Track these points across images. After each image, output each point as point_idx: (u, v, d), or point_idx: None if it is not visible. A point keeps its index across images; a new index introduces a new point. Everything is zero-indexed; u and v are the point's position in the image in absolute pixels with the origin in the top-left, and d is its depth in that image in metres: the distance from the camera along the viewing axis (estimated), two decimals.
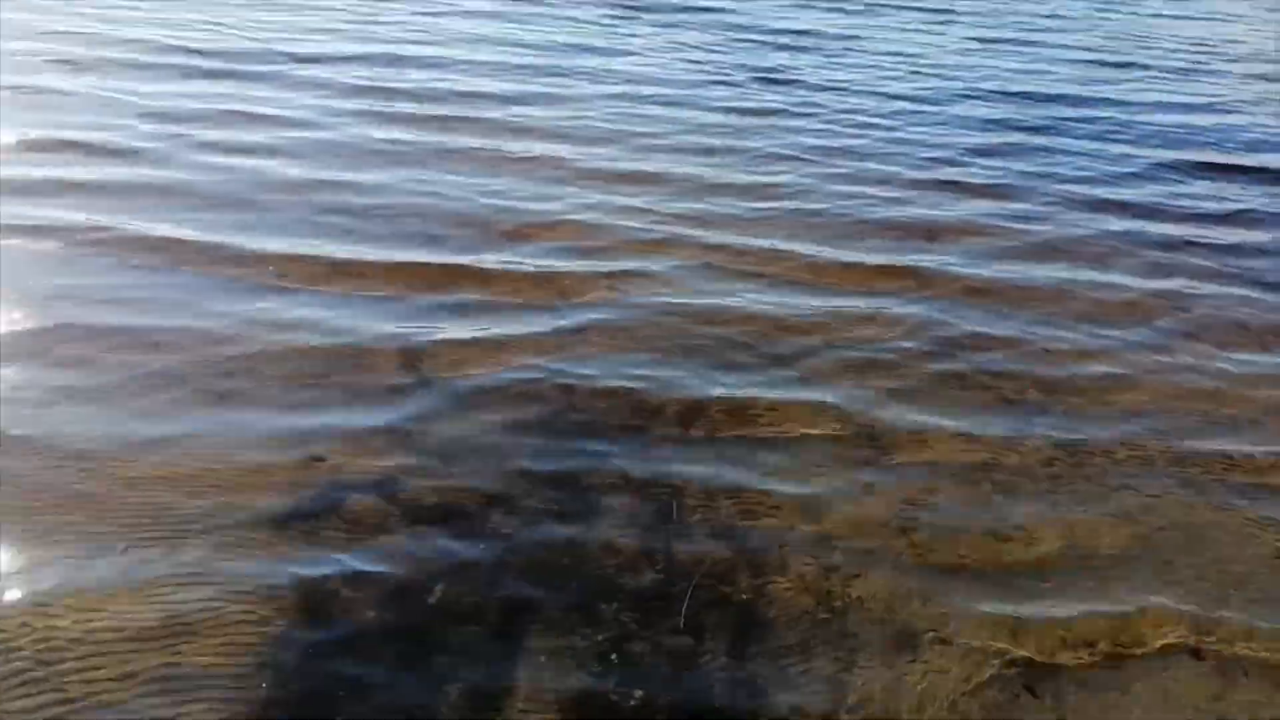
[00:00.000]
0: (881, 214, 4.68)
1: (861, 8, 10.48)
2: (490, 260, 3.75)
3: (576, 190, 4.53)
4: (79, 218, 3.70)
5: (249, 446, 2.64)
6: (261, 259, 3.54)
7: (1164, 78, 8.59)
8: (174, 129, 4.64)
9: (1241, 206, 5.29)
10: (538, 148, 4.96)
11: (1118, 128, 6.65)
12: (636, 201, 4.50)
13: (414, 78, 5.81)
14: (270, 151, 4.51)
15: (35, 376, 2.83)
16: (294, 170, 4.34)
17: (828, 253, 4.18)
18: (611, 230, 4.16)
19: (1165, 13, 12.99)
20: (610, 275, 3.78)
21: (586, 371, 3.17)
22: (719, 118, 5.87)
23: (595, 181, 4.65)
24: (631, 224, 4.25)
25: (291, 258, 3.57)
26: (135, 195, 3.92)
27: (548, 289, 3.62)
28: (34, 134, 4.40)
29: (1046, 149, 5.95)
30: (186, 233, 3.67)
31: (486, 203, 4.28)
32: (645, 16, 8.44)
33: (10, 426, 2.61)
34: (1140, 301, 4.09)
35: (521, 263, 3.77)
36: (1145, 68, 8.96)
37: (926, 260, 4.22)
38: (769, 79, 7.15)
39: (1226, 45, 10.75)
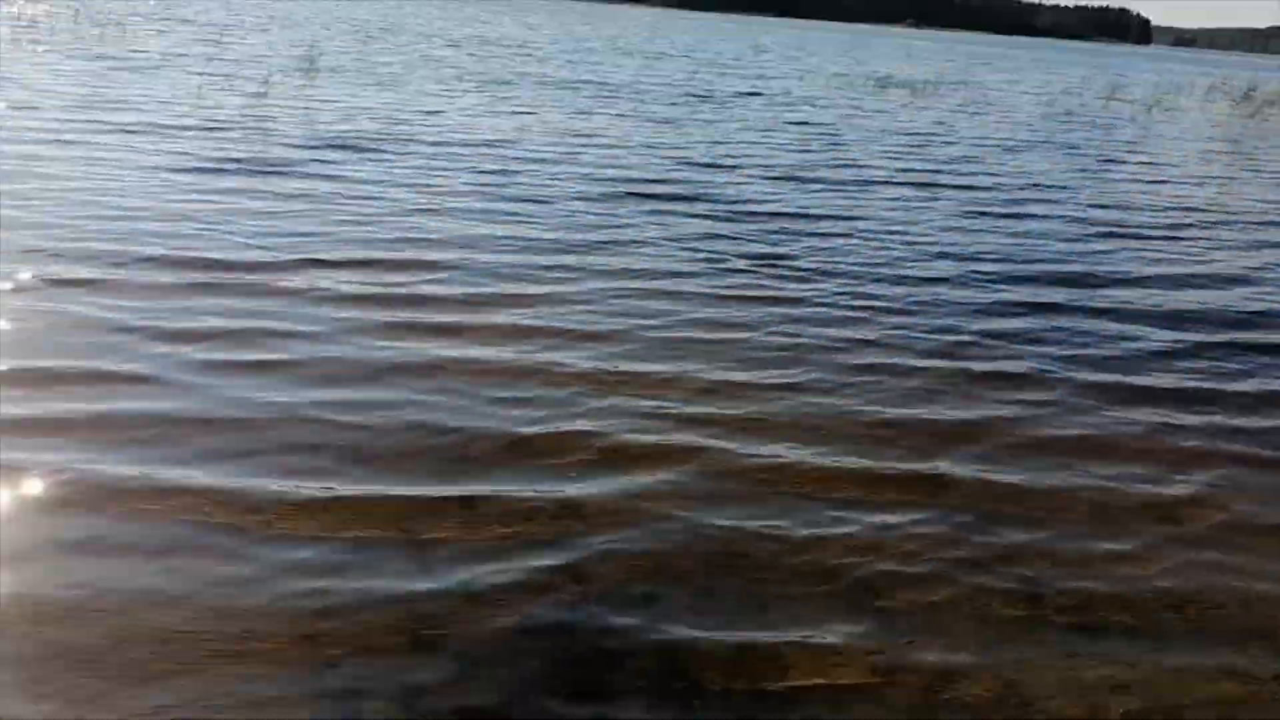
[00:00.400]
0: (894, 411, 4.55)
1: (850, 184, 10.72)
2: (499, 487, 3.57)
3: (583, 396, 4.41)
4: (70, 458, 3.52)
5: (253, 713, 2.41)
6: (264, 500, 3.35)
7: (1153, 245, 8.70)
8: (171, 349, 4.53)
9: (1265, 387, 5.19)
10: (541, 353, 4.87)
11: (1118, 303, 6.64)
12: (645, 405, 4.38)
13: (413, 282, 5.79)
14: (271, 370, 4.39)
15: (15, 639, 2.60)
16: (297, 391, 4.21)
17: (845, 460, 4.02)
18: (623, 441, 4.01)
19: (1142, 177, 13.36)
20: (624, 494, 3.60)
21: (602, 610, 2.96)
22: (721, 310, 5.83)
23: (602, 387, 4.53)
24: (643, 432, 4.10)
25: (295, 498, 3.38)
26: (129, 429, 3.75)
27: (560, 515, 3.43)
28: (25, 363, 4.26)
29: (1053, 330, 5.90)
30: (182, 472, 3.48)
31: (492, 415, 4.14)
32: (638, 205, 8.57)
33: None
34: (1179, 499, 3.91)
35: (532, 488, 3.59)
36: (1133, 236, 9.10)
37: (945, 465, 4.05)
38: (766, 263, 7.17)
39: (1206, 208, 10.97)
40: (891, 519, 3.62)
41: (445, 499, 3.45)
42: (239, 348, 4.60)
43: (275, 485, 3.44)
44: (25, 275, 5.28)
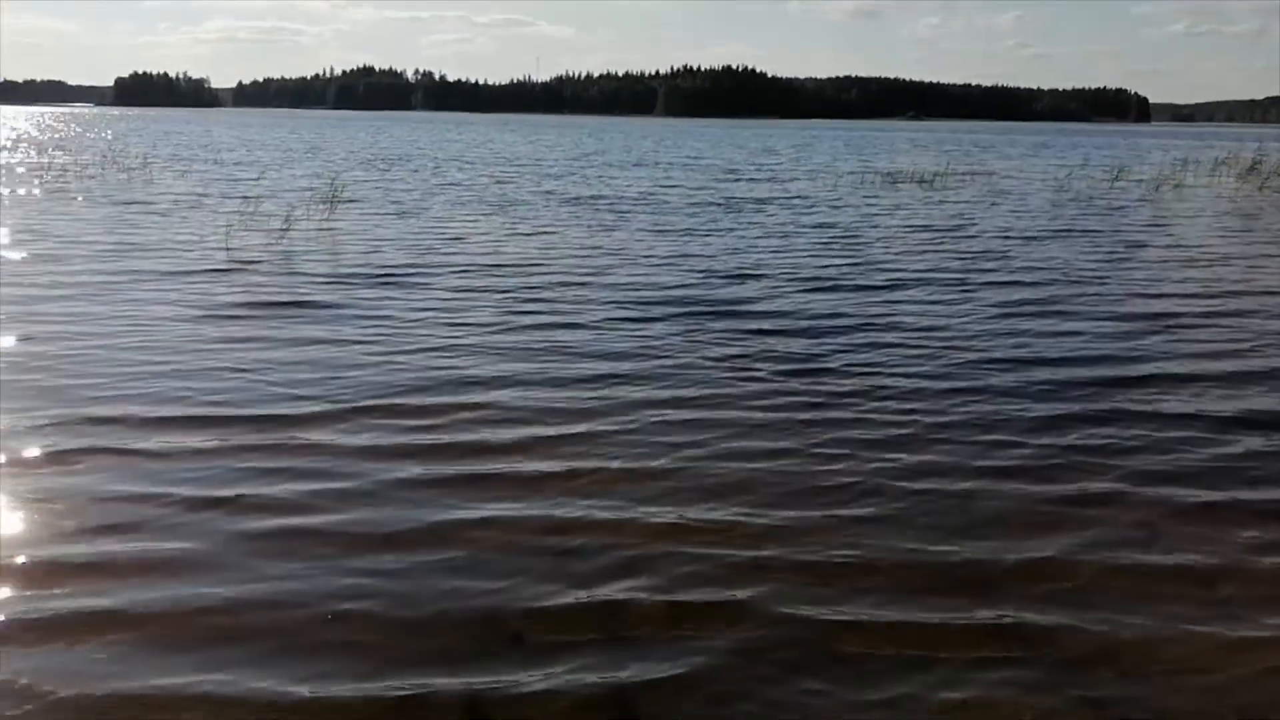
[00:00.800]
0: (961, 547, 4.24)
1: (878, 287, 10.62)
2: (555, 668, 3.33)
3: (633, 549, 4.18)
4: (99, 663, 3.29)
5: None
6: (308, 704, 3.12)
7: (1198, 335, 8.52)
8: (207, 518, 4.36)
9: None
10: (584, 501, 4.66)
11: (1180, 404, 6.43)
12: (699, 554, 4.14)
13: (447, 427, 5.62)
14: (310, 540, 4.17)
15: None
16: (337, 562, 4.00)
17: (918, 612, 3.72)
18: (680, 601, 3.76)
19: (1170, 260, 13.23)
20: (691, 663, 3.36)
21: None
22: (765, 436, 5.61)
23: (650, 537, 4.28)
24: (700, 588, 3.86)
25: (342, 697, 3.14)
26: (164, 623, 3.51)
27: (627, 697, 3.18)
28: (55, 550, 4.04)
29: (1116, 440, 5.63)
30: (221, 674, 3.24)
31: (542, 578, 3.92)
32: (669, 324, 8.46)
33: None
34: None
35: (596, 667, 3.33)
36: (1175, 326, 8.93)
37: (1027, 609, 3.75)
38: (805, 379, 6.99)
39: (1241, 290, 10.75)
40: (977, 675, 3.35)
41: (500, 687, 3.20)
42: (276, 514, 4.42)
43: (324, 684, 3.20)
44: (54, 446, 5.15)
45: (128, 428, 5.46)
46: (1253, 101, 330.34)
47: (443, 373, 6.71)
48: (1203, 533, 4.48)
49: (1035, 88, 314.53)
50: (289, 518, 4.39)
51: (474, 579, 3.90)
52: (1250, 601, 3.89)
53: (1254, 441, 5.62)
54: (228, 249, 12.33)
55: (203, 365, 6.76)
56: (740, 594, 3.83)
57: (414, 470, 4.94)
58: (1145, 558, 4.22)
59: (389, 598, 3.74)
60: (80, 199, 18.49)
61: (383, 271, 10.88)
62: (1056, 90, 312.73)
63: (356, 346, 7.38)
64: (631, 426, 5.70)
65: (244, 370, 6.64)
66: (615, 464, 5.11)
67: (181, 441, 5.26)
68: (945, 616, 3.71)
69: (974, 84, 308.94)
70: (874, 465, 5.22)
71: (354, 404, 5.94)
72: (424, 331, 7.95)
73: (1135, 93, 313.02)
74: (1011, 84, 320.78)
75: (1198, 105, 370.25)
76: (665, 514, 4.53)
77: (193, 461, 5.00)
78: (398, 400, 6.05)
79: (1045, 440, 5.63)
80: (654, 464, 5.13)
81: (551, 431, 5.56)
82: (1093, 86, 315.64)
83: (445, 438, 5.43)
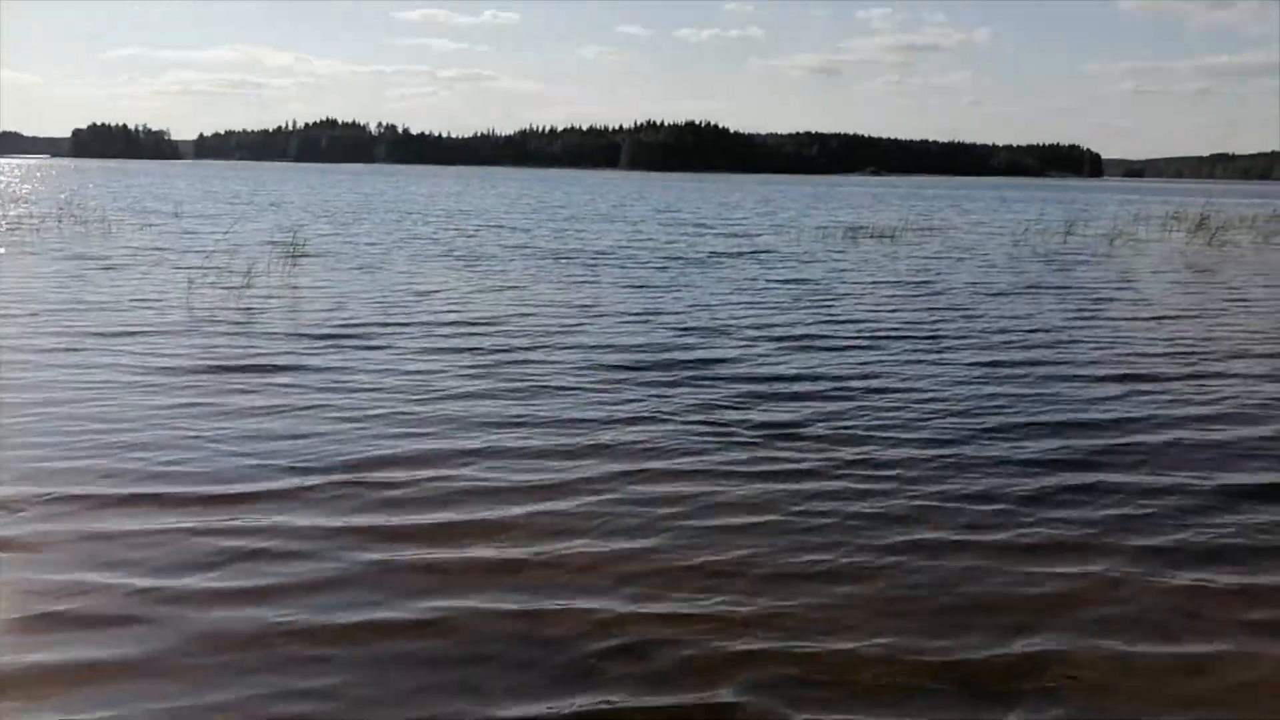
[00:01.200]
0: (951, 640, 4.02)
1: (850, 343, 10.54)
2: None
3: (615, 635, 3.94)
4: None
5: None
6: None
7: (1170, 388, 8.60)
8: (166, 609, 4.07)
9: None
10: (557, 585, 4.42)
11: (1155, 462, 6.40)
12: (682, 639, 3.92)
13: (415, 504, 5.36)
14: (274, 637, 3.89)
15: None
16: (300, 665, 3.73)
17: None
18: (664, 699, 3.53)
19: (1138, 315, 13.30)
20: None
21: None
22: (743, 517, 5.36)
23: (631, 626, 4.05)
24: (676, 691, 3.62)
25: None
26: None
27: None
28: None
29: (1099, 510, 5.50)
30: None
31: (512, 667, 3.67)
32: (642, 387, 8.25)
33: None
34: None
35: None
36: (1146, 379, 8.98)
37: (1013, 710, 3.53)
38: (779, 434, 6.87)
39: (1206, 350, 10.74)
40: None
41: None
42: (227, 604, 4.11)
43: None
44: None
45: (75, 508, 5.11)
46: (1200, 158, 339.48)
47: (410, 443, 6.41)
48: (1206, 616, 4.31)
49: (991, 144, 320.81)
50: (241, 608, 4.08)
51: (437, 675, 3.64)
52: (1260, 691, 3.72)
53: (1246, 517, 5.48)
54: (188, 307, 12.00)
55: (160, 436, 6.42)
56: (723, 694, 3.58)
57: (377, 554, 4.64)
58: (1144, 647, 4.02)
59: (343, 700, 3.45)
60: (35, 254, 18.04)
61: (347, 331, 10.59)
62: (1012, 146, 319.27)
63: (319, 413, 7.08)
64: (609, 501, 5.45)
65: (203, 440, 6.33)
66: (592, 546, 4.85)
67: (132, 524, 4.92)
68: (938, 717, 3.50)
69: (932, 140, 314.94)
70: (860, 542, 5.02)
71: (316, 480, 5.63)
72: (388, 398, 7.64)
73: (1088, 149, 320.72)
74: (968, 140, 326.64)
75: (1148, 161, 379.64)
76: (645, 602, 4.28)
77: (143, 544, 4.68)
78: (362, 475, 5.74)
79: (1034, 515, 5.44)
80: (632, 545, 4.88)
81: (525, 509, 5.29)
82: (1047, 143, 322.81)
83: (411, 518, 5.12)
